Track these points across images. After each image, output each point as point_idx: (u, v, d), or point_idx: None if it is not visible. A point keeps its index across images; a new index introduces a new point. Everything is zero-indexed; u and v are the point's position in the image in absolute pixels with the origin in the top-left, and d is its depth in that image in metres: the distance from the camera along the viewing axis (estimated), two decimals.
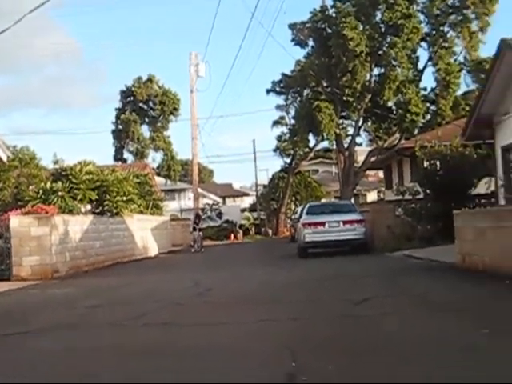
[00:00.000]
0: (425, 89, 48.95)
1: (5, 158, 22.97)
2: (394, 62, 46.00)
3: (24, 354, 8.42)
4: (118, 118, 76.45)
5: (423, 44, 47.34)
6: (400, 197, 26.88)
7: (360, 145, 58.09)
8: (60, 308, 13.30)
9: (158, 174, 72.68)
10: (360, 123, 50.71)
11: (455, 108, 47.27)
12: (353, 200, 48.97)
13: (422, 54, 49.13)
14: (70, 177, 27.00)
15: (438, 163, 25.05)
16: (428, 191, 25.13)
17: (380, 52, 45.97)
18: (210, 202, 76.34)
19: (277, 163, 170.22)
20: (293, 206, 63.39)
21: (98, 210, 28.32)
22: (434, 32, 46.55)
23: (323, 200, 60.74)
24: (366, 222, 25.96)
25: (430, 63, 47.59)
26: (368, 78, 47.17)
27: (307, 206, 30.46)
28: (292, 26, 50.04)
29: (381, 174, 61.79)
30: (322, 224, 25.51)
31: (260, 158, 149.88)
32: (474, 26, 46.33)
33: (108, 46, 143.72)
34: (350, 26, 43.52)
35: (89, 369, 7.24)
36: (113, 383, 6.52)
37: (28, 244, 21.28)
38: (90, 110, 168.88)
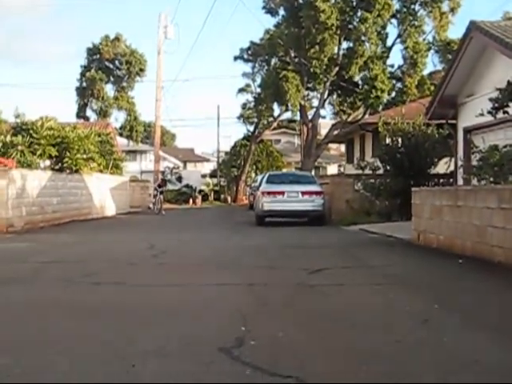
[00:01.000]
0: (392, 66, 49.24)
1: None
2: (363, 37, 46.05)
3: None
4: (82, 75, 75.69)
5: (393, 21, 47.44)
6: (360, 171, 26.97)
7: (324, 117, 58.21)
8: (11, 262, 13.19)
9: (121, 135, 72.30)
10: (325, 96, 50.80)
11: (421, 87, 47.63)
12: (313, 172, 49.18)
13: (392, 31, 49.30)
14: (31, 131, 26.77)
15: (399, 140, 25.17)
16: (388, 167, 25.24)
17: (350, 26, 45.95)
18: (171, 165, 76.09)
19: (240, 130, 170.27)
20: (253, 175, 63.50)
21: (57, 167, 28.10)
22: (404, 9, 46.66)
23: (284, 170, 60.83)
24: (325, 194, 26.04)
25: (398, 40, 47.75)
26: (336, 51, 47.19)
27: (267, 174, 30.47)
28: None
29: (343, 147, 62.03)
30: (281, 193, 25.56)
31: (223, 124, 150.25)
32: (445, 7, 46.56)
33: (77, 1, 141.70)
34: None
35: (32, 324, 7.19)
36: (52, 339, 6.48)
37: None
38: (55, 65, 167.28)
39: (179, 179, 69.39)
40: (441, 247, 14.74)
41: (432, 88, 43.62)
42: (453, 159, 24.18)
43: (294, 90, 46.56)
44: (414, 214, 17.01)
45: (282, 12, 49.72)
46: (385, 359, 5.69)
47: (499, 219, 11.92)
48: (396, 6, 46.35)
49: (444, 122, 24.43)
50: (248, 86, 61.38)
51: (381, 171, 25.73)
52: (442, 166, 25.41)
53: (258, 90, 55.96)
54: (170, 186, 61.00)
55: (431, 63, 50.82)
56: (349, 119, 50.77)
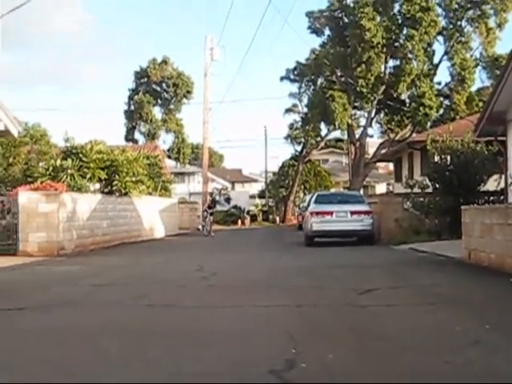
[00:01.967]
0: (439, 83, 48.96)
1: (16, 134, 22.95)
2: (409, 55, 45.92)
3: (13, 330, 8.45)
4: (130, 98, 76.34)
5: (439, 38, 47.23)
6: (409, 190, 26.78)
7: (371, 136, 58.02)
8: (63, 285, 13.33)
9: (169, 157, 72.69)
10: (372, 114, 50.75)
11: (469, 103, 47.25)
12: (362, 191, 48.94)
13: (438, 48, 49.03)
14: (80, 155, 27.05)
15: (448, 158, 24.96)
16: (437, 185, 25.04)
17: (396, 44, 45.86)
18: (219, 186, 76.30)
19: (287, 151, 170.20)
20: (301, 195, 63.34)
21: (106, 190, 28.37)
22: (451, 26, 46.48)
23: (332, 190, 60.67)
24: (374, 213, 25.93)
25: (445, 57, 47.50)
26: (383, 69, 47.09)
27: (316, 194, 30.40)
28: (309, 14, 50.04)
29: (391, 166, 61.61)
30: (330, 213, 25.50)
31: (271, 144, 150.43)
32: (492, 22, 46.26)
33: (123, 25, 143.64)
34: (368, 17, 43.48)
35: (84, 347, 7.25)
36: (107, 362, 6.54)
37: (35, 220, 21.33)
38: (103, 89, 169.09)
39: (227, 200, 69.54)
40: (492, 266, 14.55)
41: (480, 104, 43.26)
42: (503, 176, 23.90)
43: (340, 109, 46.55)
44: (464, 232, 16.84)
45: (327, 32, 49.96)
46: (432, 380, 5.64)
47: None
48: (442, 22, 46.23)
49: (493, 139, 24.17)
50: (295, 106, 61.40)
51: (430, 189, 25.53)
52: (492, 184, 25.13)
53: (305, 109, 56.00)
54: (218, 207, 61.19)
55: (479, 79, 50.40)
56: (396, 137, 50.50)
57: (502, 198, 23.81)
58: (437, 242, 22.24)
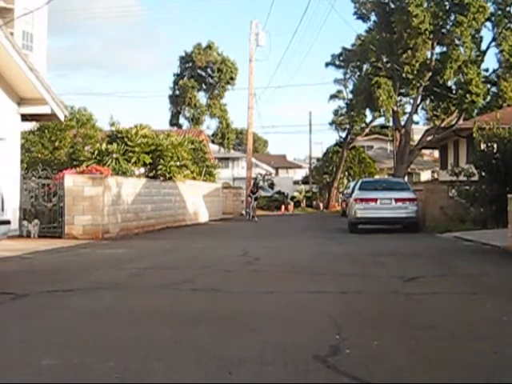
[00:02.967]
0: (486, 70, 48.25)
1: (62, 118, 23.16)
2: (457, 42, 45.37)
3: (61, 312, 8.51)
4: (175, 83, 76.49)
5: (487, 24, 46.56)
6: (454, 178, 26.55)
7: (417, 123, 57.54)
8: (108, 268, 13.45)
9: (213, 142, 72.83)
10: (418, 101, 50.26)
11: None
12: (406, 178, 48.62)
13: (486, 34, 48.42)
14: (126, 139, 27.20)
15: (495, 146, 24.67)
16: (483, 174, 24.77)
17: (443, 30, 45.34)
18: (263, 171, 76.45)
19: (332, 137, 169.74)
20: (345, 181, 63.22)
21: (151, 174, 28.51)
22: (499, 12, 45.73)
23: (376, 176, 60.39)
24: (419, 201, 25.75)
25: (493, 44, 46.81)
26: (429, 55, 46.63)
27: (360, 181, 30.29)
28: (355, 0, 49.60)
29: (436, 153, 61.15)
30: (374, 200, 25.39)
31: (315, 130, 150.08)
32: None
33: (169, 10, 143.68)
34: (415, 3, 42.97)
35: (130, 330, 7.31)
36: (154, 346, 6.58)
37: (81, 203, 21.52)
38: (149, 73, 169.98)
39: (271, 186, 69.63)
40: None
41: None
42: None
43: (385, 95, 46.19)
44: (510, 221, 16.66)
45: (373, 17, 49.48)
46: (481, 371, 5.60)
47: None
48: (491, 8, 45.52)
49: None
50: (340, 92, 61.23)
51: (475, 177, 25.28)
52: None
53: (350, 96, 55.78)
54: (262, 193, 61.23)
55: None
56: (442, 125, 49.98)
57: None
58: (482, 231, 22.05)
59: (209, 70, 76.72)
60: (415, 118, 53.84)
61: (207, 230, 29.65)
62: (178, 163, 29.92)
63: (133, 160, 26.73)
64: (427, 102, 52.67)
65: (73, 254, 16.77)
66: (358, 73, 54.91)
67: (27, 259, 15.16)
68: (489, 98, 47.25)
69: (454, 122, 47.49)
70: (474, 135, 25.79)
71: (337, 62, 56.98)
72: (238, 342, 6.61)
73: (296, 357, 5.95)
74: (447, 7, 44.62)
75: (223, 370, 5.52)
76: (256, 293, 9.99)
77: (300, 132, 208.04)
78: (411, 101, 51.05)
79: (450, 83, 48.21)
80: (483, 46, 47.35)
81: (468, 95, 43.52)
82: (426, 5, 44.00)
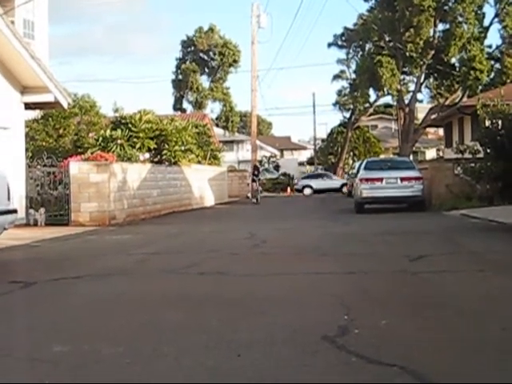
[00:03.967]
0: (490, 46, 48.16)
1: (65, 105, 23.16)
2: (460, 19, 45.23)
3: (70, 299, 8.57)
4: (178, 67, 76.44)
5: (490, 0, 46.41)
6: (460, 155, 26.52)
7: (421, 101, 57.50)
8: (116, 254, 13.49)
9: (217, 125, 72.82)
10: (422, 79, 50.18)
11: None
12: (411, 157, 48.60)
13: (488, 10, 48.19)
14: (130, 125, 27.19)
15: (500, 122, 24.61)
16: (488, 150, 24.72)
17: (445, 8, 45.19)
18: (268, 154, 76.42)
19: (336, 117, 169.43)
20: (350, 161, 63.24)
21: (156, 159, 28.55)
22: None
23: (381, 156, 60.39)
24: (424, 179, 25.73)
25: (496, 20, 46.68)
26: (432, 33, 46.49)
27: (365, 161, 30.29)
28: None
29: (441, 131, 61.07)
30: (380, 180, 25.38)
31: (319, 111, 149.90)
32: None
33: None
34: None
35: (139, 315, 7.34)
36: (169, 329, 6.62)
37: (87, 190, 21.54)
38: (152, 59, 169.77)
39: (276, 168, 69.62)
40: None
41: None
42: None
43: (389, 74, 46.15)
44: None
45: None
46: (489, 348, 5.61)
47: None
48: None
49: None
50: (343, 72, 61.24)
51: (481, 155, 25.23)
52: None
53: (353, 76, 55.72)
54: (267, 175, 61.17)
55: None
56: (446, 102, 49.93)
57: None
58: (489, 208, 22.06)
59: (211, 53, 76.64)
60: (419, 96, 53.95)
61: (213, 213, 29.70)
62: (182, 148, 29.94)
63: (137, 146, 26.74)
64: (431, 80, 52.58)
65: (80, 241, 16.83)
66: (361, 52, 54.91)
67: (35, 247, 15.21)
68: (492, 74, 47.15)
69: (458, 100, 47.45)
70: (479, 112, 25.71)
71: (339, 42, 57.00)
72: (246, 324, 6.64)
73: (305, 338, 5.97)
74: None
75: (232, 353, 5.54)
76: (263, 275, 10.01)
77: (304, 113, 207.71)
78: (415, 79, 51.07)
79: (453, 60, 48.17)
80: (486, 23, 47.23)
81: (472, 72, 43.47)
82: None
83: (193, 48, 76.46)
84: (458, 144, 29.88)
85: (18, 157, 21.49)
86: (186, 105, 76.82)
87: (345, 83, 60.36)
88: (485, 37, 47.02)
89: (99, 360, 5.48)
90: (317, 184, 54.92)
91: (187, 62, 75.59)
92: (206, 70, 77.51)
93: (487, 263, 10.70)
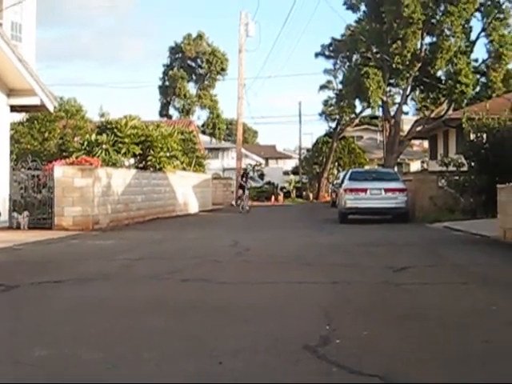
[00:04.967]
0: (476, 60, 48.37)
1: (51, 109, 23.11)
2: (447, 32, 45.46)
3: (52, 303, 8.56)
4: (165, 73, 76.42)
5: (477, 14, 46.64)
6: (444, 168, 26.64)
7: (406, 113, 57.52)
8: (99, 259, 13.46)
9: (203, 132, 72.78)
10: (408, 92, 50.30)
11: (506, 81, 46.69)
12: (396, 169, 48.75)
13: (475, 24, 48.49)
14: (115, 130, 27.12)
15: (484, 136, 24.75)
16: (473, 164, 24.87)
17: (433, 21, 45.39)
18: (253, 162, 76.37)
19: (322, 127, 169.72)
20: (335, 171, 63.26)
21: (141, 165, 28.50)
22: (489, 2, 45.83)
23: (366, 167, 60.49)
24: (408, 191, 25.81)
25: (482, 34, 46.92)
26: (419, 46, 46.67)
27: (350, 171, 30.34)
28: None
29: (426, 144, 61.28)
30: (364, 191, 25.43)
31: (305, 121, 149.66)
32: None
33: (160, 1, 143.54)
34: None
35: (121, 321, 7.34)
36: (146, 335, 6.60)
37: (71, 194, 21.46)
38: (140, 64, 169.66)
39: (261, 176, 69.61)
40: None
41: None
42: None
43: (375, 86, 46.24)
44: (499, 211, 16.74)
45: (363, 7, 49.55)
46: (472, 360, 5.63)
47: None
48: None
49: None
50: (329, 82, 61.16)
51: (465, 168, 25.37)
52: None
53: (340, 86, 55.76)
54: (252, 183, 61.13)
55: None
56: (432, 115, 50.08)
57: None
58: (472, 221, 22.14)
59: (199, 60, 76.64)
60: (405, 108, 53.98)
61: (197, 220, 29.65)
62: (167, 154, 29.89)
63: (122, 151, 26.67)
64: (417, 92, 52.71)
65: (63, 245, 16.76)
66: (348, 63, 54.99)
67: (17, 250, 15.15)
68: (478, 88, 47.37)
69: (443, 113, 47.62)
70: (464, 125, 25.88)
71: (326, 53, 57.02)
72: (229, 332, 6.64)
73: (287, 347, 5.97)
74: None
75: (214, 360, 5.54)
76: (247, 283, 10.01)
77: (290, 122, 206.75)
78: (401, 91, 51.14)
79: (439, 73, 48.35)
80: (472, 37, 47.48)
81: (458, 85, 43.67)
82: None
83: (181, 55, 76.47)
84: (442, 157, 30.06)
85: (2, 159, 21.41)
86: (172, 111, 76.88)
87: (331, 93, 60.36)
88: (471, 51, 47.24)
89: (80, 364, 5.47)
90: None
91: (175, 69, 75.59)
92: (194, 76, 77.53)
93: (470, 276, 10.74)
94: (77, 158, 23.45)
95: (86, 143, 26.29)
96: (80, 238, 18.75)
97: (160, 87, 76.54)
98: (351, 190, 25.66)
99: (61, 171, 21.61)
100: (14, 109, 22.45)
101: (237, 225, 26.64)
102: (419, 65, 46.47)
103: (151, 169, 28.78)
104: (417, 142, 71.31)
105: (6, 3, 32.34)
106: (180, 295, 8.95)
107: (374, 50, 49.05)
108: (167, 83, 75.63)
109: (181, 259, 13.27)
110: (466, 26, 46.27)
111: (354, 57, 53.34)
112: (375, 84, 46.25)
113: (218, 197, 47.33)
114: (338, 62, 57.64)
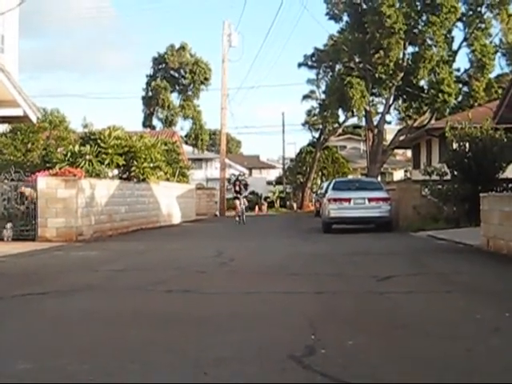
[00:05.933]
0: (458, 70, 48.69)
1: (34, 120, 23.02)
2: (429, 42, 45.72)
3: (35, 315, 8.51)
4: (148, 84, 76.32)
5: (459, 24, 46.95)
6: (427, 177, 26.71)
7: (389, 123, 57.83)
8: (83, 270, 13.40)
9: (186, 143, 72.70)
10: (391, 101, 50.52)
11: (488, 90, 47.00)
12: (379, 178, 48.88)
13: (457, 34, 48.77)
14: (99, 141, 27.04)
15: (467, 145, 24.84)
16: (456, 173, 24.94)
17: (415, 30, 45.63)
18: (237, 172, 76.36)
19: (305, 137, 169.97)
20: (319, 181, 63.36)
21: (124, 176, 28.42)
22: (471, 12, 46.16)
23: (350, 176, 60.65)
24: (392, 200, 25.87)
25: (464, 44, 47.24)
26: (401, 56, 46.89)
27: (333, 181, 30.39)
28: (327, 0, 49.77)
29: (409, 153, 61.50)
30: (348, 200, 25.47)
31: (288, 131, 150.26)
32: None
33: (142, 12, 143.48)
34: (387, 3, 43.24)
35: (105, 332, 7.33)
36: (129, 348, 6.58)
37: (54, 206, 21.39)
38: (122, 75, 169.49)
39: (245, 186, 69.50)
40: (511, 253, 14.51)
41: (500, 91, 43.04)
42: None
43: (358, 95, 46.44)
44: (482, 219, 16.77)
45: (345, 18, 49.79)
46: (456, 369, 5.64)
47: None
48: (462, 8, 45.90)
49: None
50: (313, 92, 61.39)
51: (448, 177, 25.44)
52: (511, 171, 25.00)
53: (323, 96, 55.92)
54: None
55: (498, 66, 50.13)
56: (415, 124, 50.33)
57: None
58: (455, 230, 22.20)
59: (182, 71, 76.56)
60: (388, 117, 54.31)
61: (181, 231, 29.60)
62: (151, 165, 29.85)
63: (106, 162, 26.59)
64: (400, 101, 52.93)
65: (47, 257, 16.67)
66: (331, 73, 55.23)
67: (0, 263, 15.06)
68: (460, 97, 47.66)
69: (426, 122, 47.89)
70: (447, 135, 25.97)
71: (309, 63, 57.23)
72: (213, 342, 6.62)
73: (272, 357, 5.98)
74: (419, 7, 44.97)
75: (199, 370, 5.54)
76: (231, 294, 10.00)
77: (273, 132, 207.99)
78: (384, 101, 51.40)
79: (422, 83, 48.60)
80: (455, 46, 47.79)
81: (440, 95, 43.92)
82: (397, 5, 44.29)
83: (164, 65, 76.41)
84: (425, 166, 30.12)
85: None
86: (155, 122, 76.72)
87: (314, 103, 60.53)
88: (453, 60, 47.53)
89: (64, 377, 5.44)
90: None
91: (158, 80, 75.51)
92: (177, 87, 77.47)
93: (454, 284, 10.76)
94: (60, 169, 23.36)
95: (69, 154, 26.18)
96: (64, 249, 18.67)
97: (143, 98, 76.45)
98: (335, 200, 25.71)
99: (44, 182, 21.54)
100: None
101: (221, 235, 26.64)
102: (402, 74, 46.71)
103: (135, 179, 28.72)
104: (400, 151, 71.56)
105: None
106: (164, 306, 8.93)
107: (357, 60, 49.30)
108: (150, 94, 75.53)
109: (164, 270, 13.23)
110: (448, 35, 46.57)
111: (337, 67, 53.61)
112: (358, 93, 46.47)
113: (201, 207, 47.34)
114: (321, 71, 57.86)
